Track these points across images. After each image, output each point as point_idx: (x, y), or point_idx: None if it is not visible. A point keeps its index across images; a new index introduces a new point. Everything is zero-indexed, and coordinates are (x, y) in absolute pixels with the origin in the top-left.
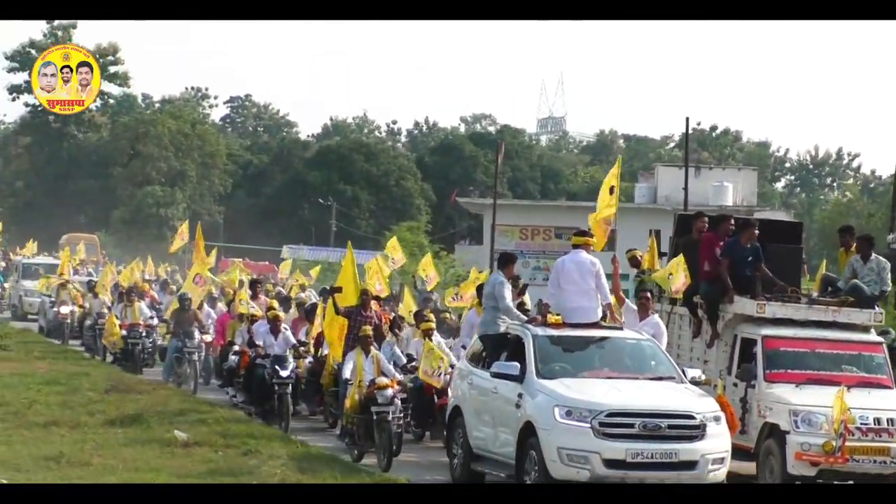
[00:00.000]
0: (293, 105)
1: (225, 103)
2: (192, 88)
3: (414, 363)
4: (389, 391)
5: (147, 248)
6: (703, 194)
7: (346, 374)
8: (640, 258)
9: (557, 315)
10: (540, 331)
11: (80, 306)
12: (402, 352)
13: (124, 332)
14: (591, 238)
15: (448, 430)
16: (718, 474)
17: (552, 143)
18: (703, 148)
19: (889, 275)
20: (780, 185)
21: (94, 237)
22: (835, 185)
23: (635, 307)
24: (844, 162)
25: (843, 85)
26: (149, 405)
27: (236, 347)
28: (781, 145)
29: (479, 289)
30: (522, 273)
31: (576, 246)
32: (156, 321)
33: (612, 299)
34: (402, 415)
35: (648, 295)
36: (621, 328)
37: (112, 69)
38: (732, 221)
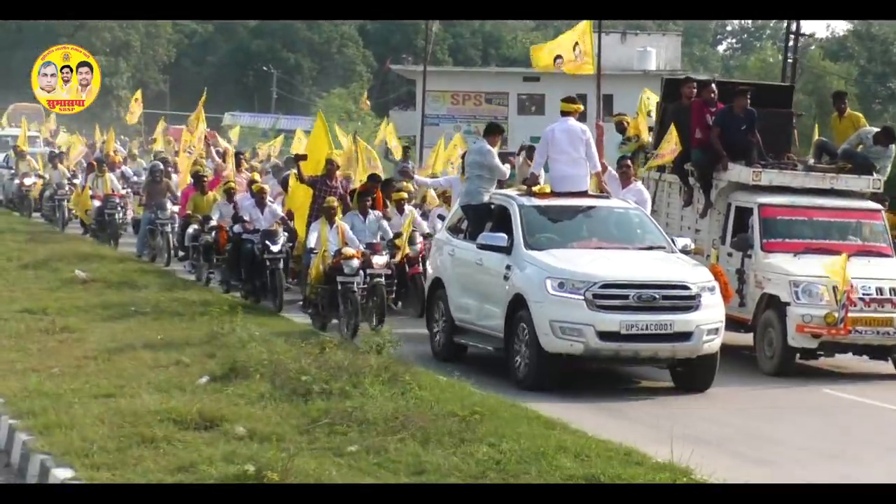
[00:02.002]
0: None
1: None
2: None
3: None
4: (356, 262)
5: (93, 117)
6: (627, 59)
7: (312, 243)
8: (626, 124)
9: (544, 184)
10: (525, 200)
11: (41, 176)
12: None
13: (98, 204)
14: (580, 105)
15: (428, 301)
16: (713, 345)
17: None
18: None
19: (888, 168)
20: (721, 49)
21: (38, 107)
22: (775, 47)
23: (617, 175)
24: (784, 25)
25: None
26: (60, 252)
27: (213, 222)
28: None
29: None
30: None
31: (564, 113)
32: (130, 192)
33: (600, 167)
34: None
35: (629, 162)
36: (609, 197)
37: None
38: (714, 87)
